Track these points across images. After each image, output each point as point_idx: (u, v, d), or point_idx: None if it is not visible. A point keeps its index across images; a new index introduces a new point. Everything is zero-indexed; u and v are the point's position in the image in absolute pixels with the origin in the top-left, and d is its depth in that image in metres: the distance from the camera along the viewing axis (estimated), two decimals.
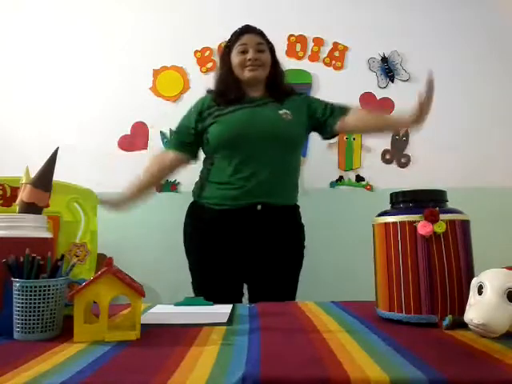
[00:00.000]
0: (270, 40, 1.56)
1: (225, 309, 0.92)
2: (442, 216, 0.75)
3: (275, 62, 1.56)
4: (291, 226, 1.50)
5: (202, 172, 1.55)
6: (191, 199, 1.57)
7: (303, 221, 1.57)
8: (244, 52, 1.48)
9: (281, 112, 1.46)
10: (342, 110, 1.51)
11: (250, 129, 1.43)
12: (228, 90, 1.49)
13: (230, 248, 1.44)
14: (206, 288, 1.42)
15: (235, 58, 1.50)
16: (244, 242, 1.43)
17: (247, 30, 1.52)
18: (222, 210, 1.43)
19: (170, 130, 1.94)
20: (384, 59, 2.37)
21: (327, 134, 1.56)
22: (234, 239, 1.43)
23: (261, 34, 1.53)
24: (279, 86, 1.54)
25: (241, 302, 1.47)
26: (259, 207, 1.41)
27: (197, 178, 1.58)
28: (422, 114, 1.28)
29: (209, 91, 1.57)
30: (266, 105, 1.49)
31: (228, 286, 1.44)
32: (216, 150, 1.48)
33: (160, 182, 1.58)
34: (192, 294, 1.47)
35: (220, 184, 1.45)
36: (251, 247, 1.44)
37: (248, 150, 1.41)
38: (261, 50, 1.49)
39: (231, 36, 1.54)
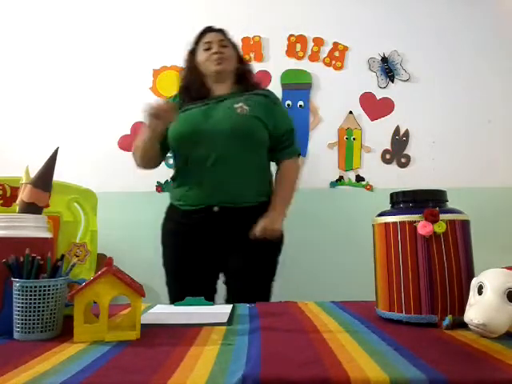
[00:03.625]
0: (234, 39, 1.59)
1: (225, 309, 0.92)
2: (442, 216, 0.75)
3: (240, 59, 1.59)
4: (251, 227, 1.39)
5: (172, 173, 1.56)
6: None
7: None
8: (208, 49, 1.51)
9: (236, 106, 1.43)
10: (287, 155, 1.50)
11: (202, 125, 1.40)
12: (191, 87, 1.52)
13: (197, 246, 1.42)
14: (179, 286, 1.43)
15: (200, 56, 1.52)
16: (209, 241, 1.42)
17: (209, 29, 1.56)
18: (186, 211, 1.43)
19: None
20: (384, 59, 2.37)
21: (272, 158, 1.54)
22: (199, 239, 1.42)
23: (222, 32, 1.56)
24: (247, 81, 1.55)
25: (213, 299, 1.46)
26: (216, 209, 1.39)
27: None
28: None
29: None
30: (226, 100, 1.47)
31: (201, 285, 1.42)
32: (174, 148, 1.49)
33: (149, 153, 1.49)
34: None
35: (182, 184, 1.46)
36: (216, 246, 1.42)
37: (202, 149, 1.39)
38: (224, 45, 1.53)
39: (194, 39, 1.57)
